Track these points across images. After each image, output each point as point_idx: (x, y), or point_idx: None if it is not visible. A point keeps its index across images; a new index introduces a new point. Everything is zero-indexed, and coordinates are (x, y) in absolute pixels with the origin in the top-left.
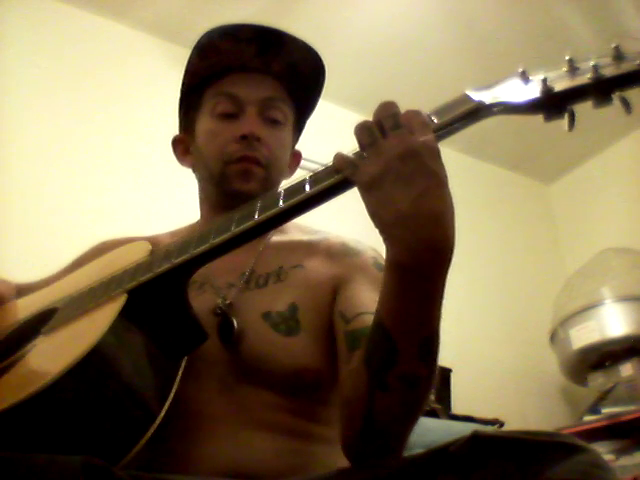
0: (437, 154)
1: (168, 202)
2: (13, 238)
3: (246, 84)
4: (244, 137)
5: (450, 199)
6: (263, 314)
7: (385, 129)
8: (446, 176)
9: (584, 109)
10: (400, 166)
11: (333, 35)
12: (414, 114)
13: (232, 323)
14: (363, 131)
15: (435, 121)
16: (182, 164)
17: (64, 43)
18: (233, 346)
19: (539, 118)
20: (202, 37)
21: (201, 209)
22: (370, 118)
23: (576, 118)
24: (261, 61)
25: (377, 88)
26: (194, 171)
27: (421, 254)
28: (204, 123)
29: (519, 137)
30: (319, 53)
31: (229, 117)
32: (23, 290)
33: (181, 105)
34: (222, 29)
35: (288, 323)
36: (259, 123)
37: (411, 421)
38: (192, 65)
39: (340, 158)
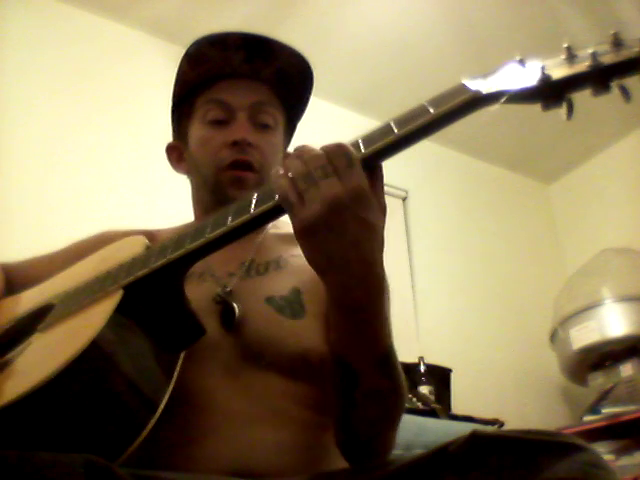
0: (365, 199)
1: (169, 200)
2: (14, 235)
3: (236, 90)
4: (236, 143)
5: (380, 239)
6: (266, 298)
7: (315, 178)
8: (376, 218)
9: (584, 109)
10: (330, 216)
11: (333, 35)
12: (338, 157)
13: (233, 308)
14: (295, 181)
15: (362, 150)
16: (177, 171)
17: (64, 43)
18: (236, 331)
19: (539, 118)
20: (190, 46)
21: (194, 214)
22: (370, 118)
23: (576, 118)
24: (250, 67)
25: (377, 88)
26: (188, 177)
27: (356, 293)
28: (196, 130)
29: (519, 137)
30: (318, 53)
31: (220, 124)
32: (10, 269)
33: (173, 113)
34: (210, 38)
35: (292, 306)
36: (250, 128)
37: (388, 428)
38: (182, 74)
39: (280, 192)
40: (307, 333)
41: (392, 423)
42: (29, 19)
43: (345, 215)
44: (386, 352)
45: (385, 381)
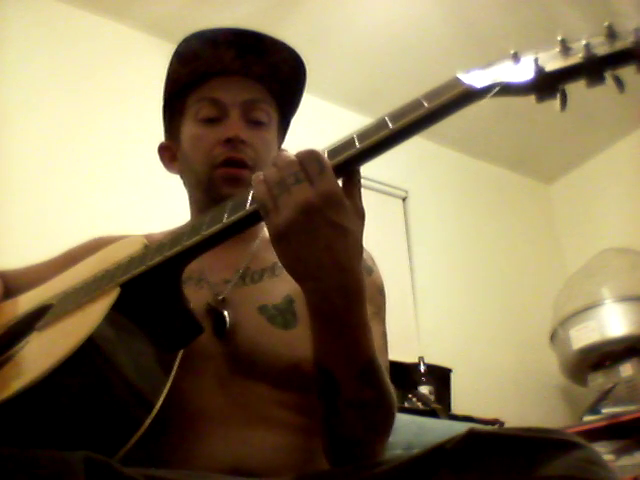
0: (337, 204)
1: (169, 200)
2: (12, 236)
3: (228, 88)
4: (229, 140)
5: (357, 244)
6: (259, 308)
7: (287, 184)
8: (351, 223)
9: (585, 109)
10: (303, 221)
11: (332, 35)
12: (310, 163)
13: (224, 317)
14: (270, 187)
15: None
16: (169, 171)
17: (64, 43)
18: (228, 340)
19: (539, 118)
20: (180, 44)
21: (191, 214)
22: (369, 118)
23: (576, 118)
24: (241, 64)
25: (377, 88)
26: (182, 177)
27: (334, 301)
28: (189, 129)
29: (519, 137)
30: (318, 52)
31: (213, 121)
32: (7, 276)
33: (165, 112)
34: (200, 35)
35: (285, 316)
36: (243, 125)
37: (374, 442)
38: (173, 72)
39: (257, 198)
40: (299, 343)
41: (378, 436)
42: (29, 19)
43: (317, 219)
44: (368, 360)
45: (368, 391)
